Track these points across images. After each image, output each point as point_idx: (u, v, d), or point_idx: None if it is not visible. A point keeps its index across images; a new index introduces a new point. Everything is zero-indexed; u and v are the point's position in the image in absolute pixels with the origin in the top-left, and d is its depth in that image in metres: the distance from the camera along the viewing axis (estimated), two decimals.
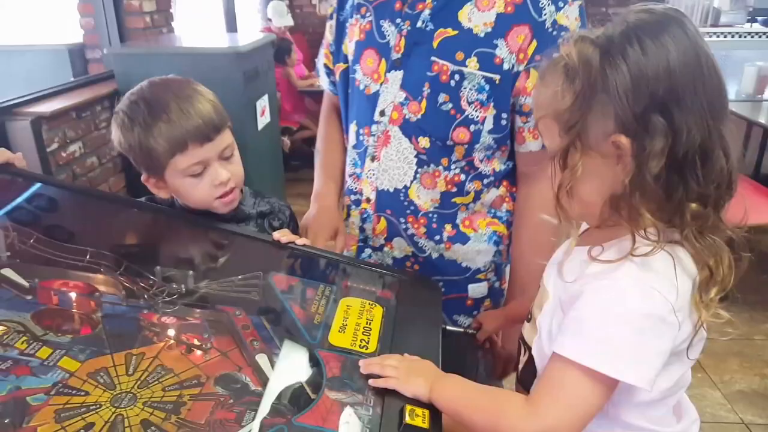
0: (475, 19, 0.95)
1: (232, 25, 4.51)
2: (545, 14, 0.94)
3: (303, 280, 0.93)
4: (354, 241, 1.14)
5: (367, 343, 0.80)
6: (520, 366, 0.81)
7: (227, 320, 0.83)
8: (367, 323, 0.84)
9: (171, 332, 0.81)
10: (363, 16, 1.05)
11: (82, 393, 0.68)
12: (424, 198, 1.04)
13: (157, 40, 2.96)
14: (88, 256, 0.91)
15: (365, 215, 1.10)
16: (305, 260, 0.98)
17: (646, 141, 0.60)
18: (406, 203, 1.05)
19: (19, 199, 0.97)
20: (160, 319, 0.83)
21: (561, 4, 0.95)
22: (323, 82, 1.23)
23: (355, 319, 0.84)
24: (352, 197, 1.13)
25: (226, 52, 2.61)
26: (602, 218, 0.68)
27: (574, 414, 0.64)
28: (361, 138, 1.08)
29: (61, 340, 0.76)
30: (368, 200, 1.09)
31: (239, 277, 0.91)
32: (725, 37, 4.80)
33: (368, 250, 1.13)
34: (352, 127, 1.10)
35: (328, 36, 1.16)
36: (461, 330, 1.05)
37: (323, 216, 1.14)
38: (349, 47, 1.09)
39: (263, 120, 2.89)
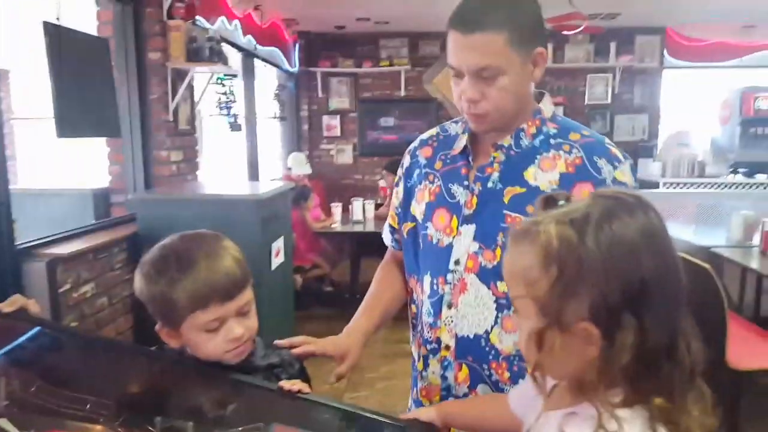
0: (541, 178, 1.04)
1: (254, 174, 4.80)
2: (604, 173, 1.02)
3: (306, 431, 0.89)
4: (436, 391, 1.12)
5: None
6: None
7: None
8: None
9: None
10: (431, 182, 1.15)
11: None
12: (506, 342, 1.04)
13: (181, 187, 3.12)
14: (88, 406, 0.89)
15: (446, 363, 1.10)
16: (309, 410, 0.94)
17: (616, 335, 0.62)
18: (487, 349, 1.05)
19: (24, 343, 0.97)
20: None
21: (616, 164, 1.03)
22: (386, 239, 1.32)
23: None
24: (429, 346, 1.12)
25: (246, 198, 2.74)
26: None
27: None
28: (435, 287, 1.10)
29: None
30: (447, 347, 1.09)
31: (240, 429, 0.87)
32: (711, 187, 5.18)
33: (451, 399, 1.10)
34: (426, 279, 1.13)
35: (395, 201, 1.26)
36: None
37: (342, 337, 1.14)
38: (417, 209, 1.17)
39: (277, 261, 2.95)
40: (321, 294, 4.78)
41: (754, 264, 3.03)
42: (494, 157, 1.08)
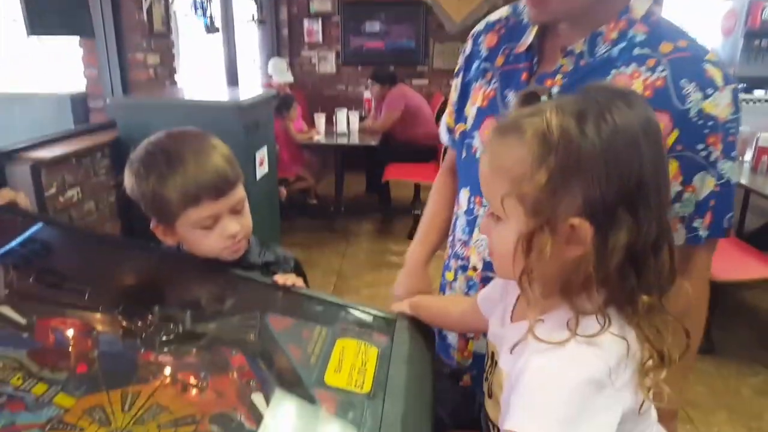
0: None
1: (233, 80, 4.65)
2: (690, 102, 0.81)
3: (299, 321, 0.94)
4: None
5: (362, 383, 0.81)
6: None
7: (223, 360, 0.84)
8: (362, 364, 0.85)
9: (167, 371, 0.81)
10: (488, 82, 1.01)
11: (77, 429, 0.68)
12: None
13: (160, 92, 3.04)
14: (86, 296, 0.92)
15: (471, 283, 1.07)
16: (302, 303, 0.99)
17: (610, 233, 0.59)
18: None
19: (19, 238, 0.98)
20: (157, 357, 0.83)
21: (709, 91, 0.81)
22: (443, 138, 1.19)
23: (351, 359, 0.85)
24: (459, 262, 1.09)
25: (227, 105, 2.69)
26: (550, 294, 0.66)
27: None
28: (471, 206, 1.04)
29: (57, 377, 0.76)
30: (475, 269, 1.05)
31: (236, 317, 0.92)
32: None
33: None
34: (464, 193, 1.06)
35: (452, 95, 1.12)
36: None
37: (409, 279, 1.16)
38: (470, 111, 1.04)
39: (262, 170, 2.94)
40: (305, 206, 4.82)
41: (744, 180, 3.06)
42: (560, 66, 0.89)
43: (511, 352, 0.68)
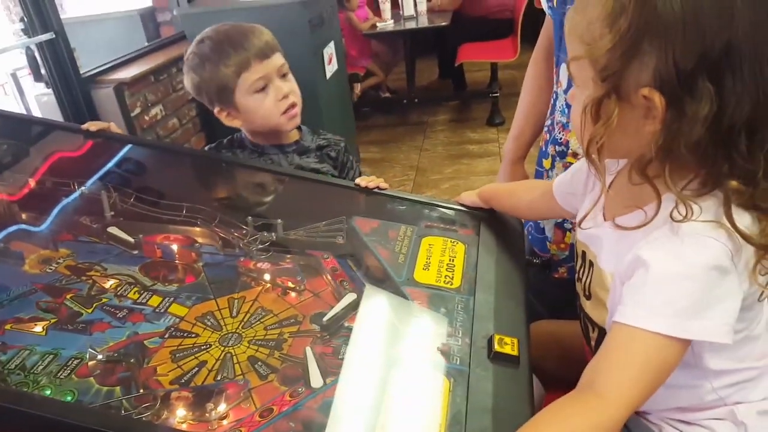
0: None
1: None
2: None
3: (385, 222, 0.95)
4: None
5: (452, 278, 0.82)
6: (592, 343, 0.78)
7: (316, 264, 0.87)
8: (450, 260, 0.85)
9: (267, 277, 0.86)
10: None
11: (193, 335, 0.75)
12: None
13: None
14: (184, 211, 0.97)
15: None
16: (386, 203, 0.99)
17: (686, 106, 0.53)
18: None
19: (115, 162, 1.04)
20: (256, 265, 0.88)
21: None
22: (543, 3, 1.10)
23: (438, 256, 0.86)
24: (558, 148, 1.05)
25: (290, 2, 2.61)
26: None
27: (645, 382, 0.57)
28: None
29: (169, 289, 0.83)
30: (575, 155, 1.02)
31: (324, 222, 0.94)
32: None
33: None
34: (565, 69, 1.00)
35: None
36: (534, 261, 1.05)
37: (504, 178, 1.16)
38: None
39: (330, 68, 2.89)
40: (379, 102, 4.72)
41: None
42: None
43: (613, 249, 0.65)
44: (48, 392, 0.66)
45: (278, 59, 1.11)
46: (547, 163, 1.09)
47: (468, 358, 0.69)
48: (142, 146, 1.12)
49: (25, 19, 1.98)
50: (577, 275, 0.79)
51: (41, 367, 0.68)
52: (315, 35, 2.65)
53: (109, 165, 1.03)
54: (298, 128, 1.19)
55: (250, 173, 1.10)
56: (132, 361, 0.70)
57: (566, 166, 1.02)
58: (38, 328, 0.75)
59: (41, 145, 1.10)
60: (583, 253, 0.76)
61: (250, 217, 0.94)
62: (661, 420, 0.71)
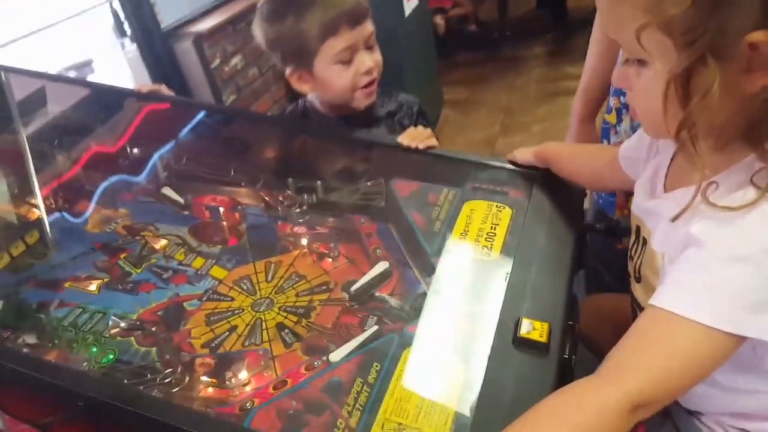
0: None
1: None
2: None
3: (426, 184, 0.91)
4: None
5: (490, 249, 0.77)
6: None
7: (353, 228, 0.86)
8: (491, 228, 0.80)
9: (303, 241, 0.86)
10: None
11: (228, 299, 0.77)
12: None
13: None
14: (232, 172, 0.99)
15: (636, 124, 0.95)
16: (430, 163, 0.95)
17: None
18: None
19: (165, 125, 1.07)
20: (294, 229, 0.88)
21: None
22: None
23: (479, 224, 0.81)
24: (623, 99, 0.97)
25: None
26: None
27: (673, 372, 0.49)
28: None
29: (212, 251, 0.85)
30: None
31: (364, 184, 0.92)
32: None
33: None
34: None
35: None
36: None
37: (571, 139, 1.09)
38: None
39: (410, 4, 2.75)
40: (467, 36, 4.47)
41: None
42: None
43: (668, 227, 0.56)
44: (94, 350, 0.71)
45: (368, 27, 0.98)
46: (610, 118, 0.98)
47: (491, 342, 0.62)
48: (191, 107, 1.14)
49: None
50: (629, 252, 0.71)
51: (90, 326, 0.74)
52: None
53: (161, 129, 1.06)
54: None
55: (293, 132, 1.09)
56: (170, 323, 0.74)
57: (633, 121, 0.92)
58: (92, 287, 0.81)
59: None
60: (638, 228, 0.68)
61: (290, 179, 0.93)
62: (717, 424, 0.64)
